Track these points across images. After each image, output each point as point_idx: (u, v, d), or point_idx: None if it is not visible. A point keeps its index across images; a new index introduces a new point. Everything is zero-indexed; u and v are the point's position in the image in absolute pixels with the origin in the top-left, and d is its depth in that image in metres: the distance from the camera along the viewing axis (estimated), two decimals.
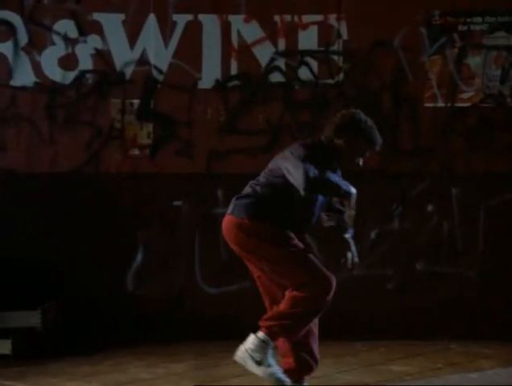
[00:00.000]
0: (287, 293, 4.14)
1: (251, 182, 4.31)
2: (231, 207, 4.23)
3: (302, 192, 3.84)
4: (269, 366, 4.14)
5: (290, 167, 3.92)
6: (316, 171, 3.80)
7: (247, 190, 4.25)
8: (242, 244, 4.18)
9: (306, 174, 3.76)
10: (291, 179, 3.94)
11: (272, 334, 4.16)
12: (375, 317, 6.01)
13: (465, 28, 6.03)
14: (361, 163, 4.07)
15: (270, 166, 4.24)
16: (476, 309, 6.05)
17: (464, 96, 6.05)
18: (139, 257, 6.09)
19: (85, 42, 6.05)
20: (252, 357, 4.12)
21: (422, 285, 6.06)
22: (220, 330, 5.95)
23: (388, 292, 6.09)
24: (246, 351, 4.14)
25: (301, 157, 3.90)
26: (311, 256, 4.16)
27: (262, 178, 4.28)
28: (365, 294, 6.01)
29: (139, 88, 6.07)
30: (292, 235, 4.18)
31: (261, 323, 4.24)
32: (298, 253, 4.10)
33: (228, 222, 4.19)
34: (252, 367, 4.15)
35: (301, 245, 4.19)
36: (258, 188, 4.18)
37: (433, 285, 6.06)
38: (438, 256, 6.10)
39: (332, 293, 4.07)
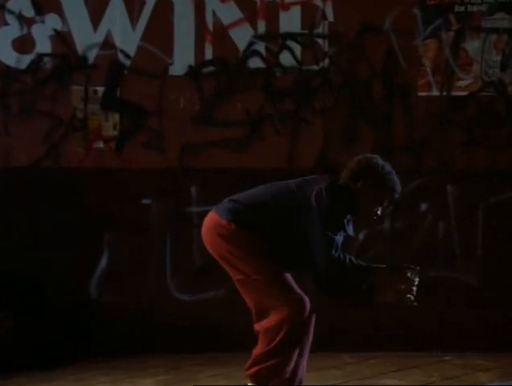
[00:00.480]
0: (257, 329, 4.05)
1: (249, 190, 4.23)
2: (220, 205, 4.17)
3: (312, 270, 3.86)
4: None
5: (310, 240, 3.85)
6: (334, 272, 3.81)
7: (243, 198, 4.15)
8: (217, 247, 4.14)
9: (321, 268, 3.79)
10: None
11: (262, 380, 4.05)
12: (364, 326, 5.84)
13: (462, 9, 5.85)
14: (379, 212, 3.95)
15: (280, 187, 4.16)
16: (475, 317, 5.89)
17: (461, 83, 5.88)
18: (104, 261, 5.89)
19: (43, 22, 5.81)
20: None
21: (416, 292, 5.58)
22: (194, 341, 5.80)
23: None
24: None
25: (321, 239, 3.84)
26: (284, 276, 4.04)
27: (262, 191, 4.20)
28: None
29: (104, 73, 5.85)
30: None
31: (246, 373, 4.12)
32: (270, 271, 3.99)
33: (210, 219, 4.15)
34: None
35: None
36: (255, 202, 4.08)
37: (428, 292, 5.52)
38: (433, 260, 5.92)
39: (304, 315, 3.93)
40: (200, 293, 5.86)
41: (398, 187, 3.98)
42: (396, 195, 3.97)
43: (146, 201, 5.86)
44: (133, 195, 5.86)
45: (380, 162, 3.99)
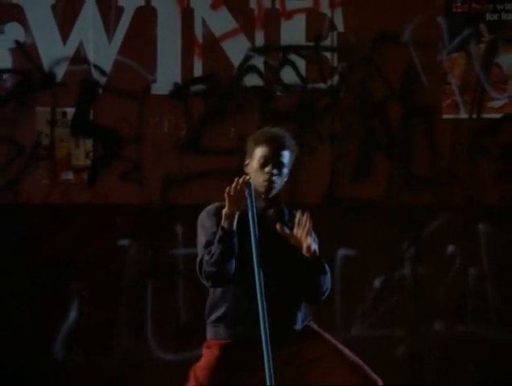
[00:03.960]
0: None
1: None
2: None
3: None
4: None
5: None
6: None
7: None
8: None
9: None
10: None
11: None
12: None
13: (495, 18, 5.70)
14: (267, 170, 3.82)
15: None
16: None
17: (495, 104, 5.71)
18: (72, 315, 5.65)
19: (2, 32, 5.68)
20: None
21: (442, 351, 5.73)
22: None
23: (397, 359, 5.70)
24: None
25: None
26: None
27: None
28: (367, 361, 5.18)
29: (74, 93, 5.71)
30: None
31: None
32: None
33: None
34: None
35: None
36: None
37: (456, 352, 5.67)
38: (463, 313, 5.70)
39: None
40: (186, 352, 5.53)
41: (266, 134, 3.84)
42: (265, 145, 3.81)
43: (122, 242, 5.68)
44: (107, 236, 5.68)
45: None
